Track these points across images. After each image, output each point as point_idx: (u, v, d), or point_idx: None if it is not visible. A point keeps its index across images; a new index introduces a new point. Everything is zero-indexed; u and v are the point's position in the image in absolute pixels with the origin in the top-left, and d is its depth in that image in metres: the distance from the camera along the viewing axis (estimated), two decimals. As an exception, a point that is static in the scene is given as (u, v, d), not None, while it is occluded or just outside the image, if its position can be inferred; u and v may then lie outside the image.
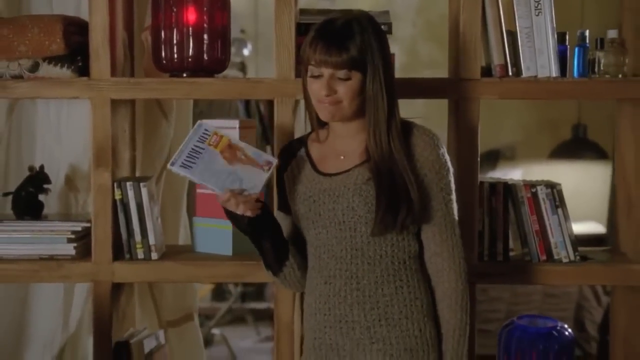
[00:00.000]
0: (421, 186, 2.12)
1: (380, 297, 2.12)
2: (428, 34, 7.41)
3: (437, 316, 2.16)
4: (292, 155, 2.23)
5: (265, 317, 6.11)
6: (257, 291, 6.52)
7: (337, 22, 2.11)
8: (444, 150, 2.17)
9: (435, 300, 2.16)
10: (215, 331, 5.91)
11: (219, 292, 6.67)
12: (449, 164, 2.18)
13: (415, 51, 7.28)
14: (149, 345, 2.65)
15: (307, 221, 2.16)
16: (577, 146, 7.00)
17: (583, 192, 6.37)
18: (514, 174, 7.26)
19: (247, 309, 6.43)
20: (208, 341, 5.63)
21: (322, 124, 2.21)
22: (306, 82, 2.15)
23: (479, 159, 2.56)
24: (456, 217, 2.19)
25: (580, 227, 4.95)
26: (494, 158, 7.42)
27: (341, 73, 2.09)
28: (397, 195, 2.08)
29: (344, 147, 2.17)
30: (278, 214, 2.24)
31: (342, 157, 2.17)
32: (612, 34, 2.61)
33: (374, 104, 2.10)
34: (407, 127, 2.15)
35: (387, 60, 2.14)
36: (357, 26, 2.10)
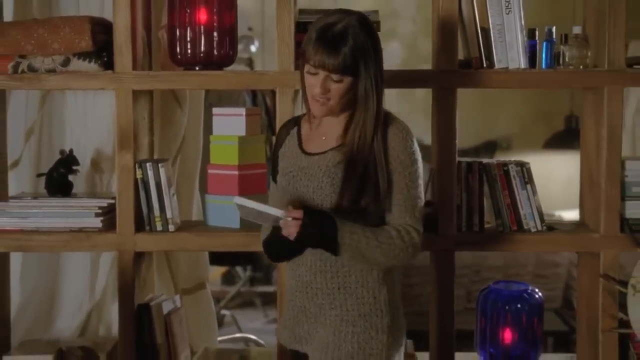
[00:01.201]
0: (390, 176, 2.29)
1: (340, 267, 2.30)
2: (427, 30, 7.64)
3: (394, 284, 2.36)
4: (287, 132, 2.45)
5: (273, 300, 6.34)
6: (264, 275, 6.80)
7: (336, 27, 2.27)
8: (413, 143, 2.33)
9: (394, 270, 2.36)
10: (226, 312, 6.23)
11: (229, 277, 6.98)
12: (416, 155, 2.33)
13: (415, 46, 7.55)
14: (167, 307, 2.98)
15: (286, 194, 2.34)
16: (570, 136, 7.24)
17: (575, 180, 6.67)
18: (510, 164, 7.53)
19: (256, 292, 6.71)
20: (219, 322, 5.94)
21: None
22: (303, 74, 2.33)
23: (456, 141, 2.87)
24: (419, 203, 2.32)
25: (573, 214, 5.23)
26: (491, 149, 7.68)
27: (335, 76, 2.27)
28: (365, 181, 2.27)
29: (327, 129, 2.36)
30: (272, 185, 2.47)
31: (323, 138, 2.36)
32: (576, 30, 2.93)
33: (365, 104, 2.29)
34: (385, 120, 2.33)
35: (379, 62, 2.33)
36: (352, 32, 2.26)
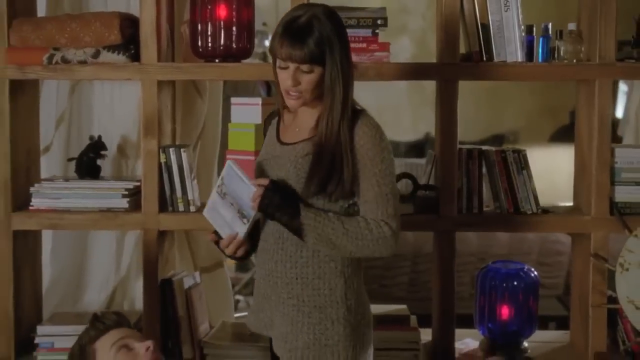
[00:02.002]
0: (355, 168, 2.33)
1: (299, 258, 2.35)
2: (437, 26, 7.84)
3: (355, 277, 2.39)
4: (270, 122, 2.55)
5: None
6: (277, 264, 7.01)
7: (300, 19, 2.33)
8: (382, 140, 2.36)
9: (356, 262, 2.40)
10: (240, 297, 6.45)
11: (243, 264, 7.19)
12: (386, 153, 2.36)
13: (424, 42, 7.73)
14: (187, 283, 3.20)
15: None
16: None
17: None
18: (516, 157, 7.72)
19: None
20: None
21: None
22: (276, 70, 2.38)
23: (457, 129, 3.08)
24: (391, 199, 2.35)
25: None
26: (498, 142, 7.85)
27: (304, 67, 2.32)
28: (331, 170, 2.32)
29: (302, 121, 2.43)
30: None
31: (297, 130, 2.43)
32: (571, 26, 3.13)
33: (332, 93, 2.33)
34: (355, 115, 2.37)
35: (346, 52, 2.36)
36: (317, 23, 2.31)
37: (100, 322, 2.45)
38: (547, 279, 5.73)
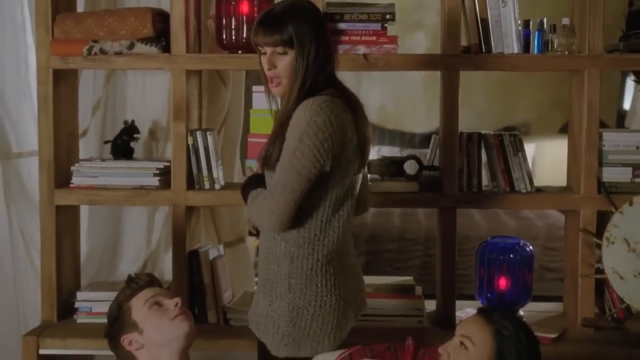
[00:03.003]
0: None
1: (264, 241, 2.64)
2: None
3: (305, 257, 2.54)
4: None
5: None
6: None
7: (275, 9, 2.53)
8: (309, 120, 2.45)
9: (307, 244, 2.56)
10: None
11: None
12: (307, 134, 2.45)
13: (439, 37, 7.94)
14: (212, 254, 3.50)
15: None
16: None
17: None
18: (528, 148, 7.93)
19: None
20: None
21: None
22: (260, 64, 2.60)
23: (459, 115, 3.37)
24: (282, 176, 2.48)
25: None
26: (510, 134, 8.11)
27: (278, 49, 2.50)
28: (269, 144, 2.57)
29: None
30: None
31: None
32: (565, 21, 3.41)
33: (296, 75, 2.51)
34: (309, 96, 2.51)
35: (317, 40, 2.51)
36: (290, 12, 2.50)
37: (134, 282, 2.72)
38: (553, 263, 5.98)
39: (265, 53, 2.56)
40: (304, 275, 2.55)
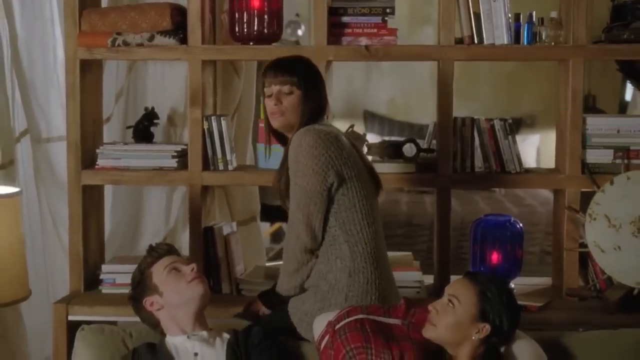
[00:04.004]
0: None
1: (318, 264, 2.95)
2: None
3: (359, 269, 2.88)
4: None
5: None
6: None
7: (284, 58, 2.98)
8: (298, 145, 2.83)
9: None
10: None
11: (277, 236, 7.76)
12: (298, 155, 2.83)
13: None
14: (226, 230, 3.75)
15: None
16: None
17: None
18: (533, 139, 8.18)
19: None
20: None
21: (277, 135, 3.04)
22: (263, 106, 2.97)
23: (453, 102, 3.63)
24: (302, 197, 2.83)
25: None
26: (516, 126, 8.26)
27: (285, 88, 2.87)
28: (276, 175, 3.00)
29: None
30: None
31: None
32: (553, 14, 3.66)
33: (301, 115, 2.91)
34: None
35: (320, 92, 2.94)
36: (298, 61, 2.96)
37: (155, 251, 2.94)
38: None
39: (271, 95, 2.89)
40: (361, 288, 2.88)
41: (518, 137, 8.15)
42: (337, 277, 2.88)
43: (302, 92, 2.88)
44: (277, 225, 7.56)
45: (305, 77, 2.90)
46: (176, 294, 2.84)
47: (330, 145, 2.84)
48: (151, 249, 2.98)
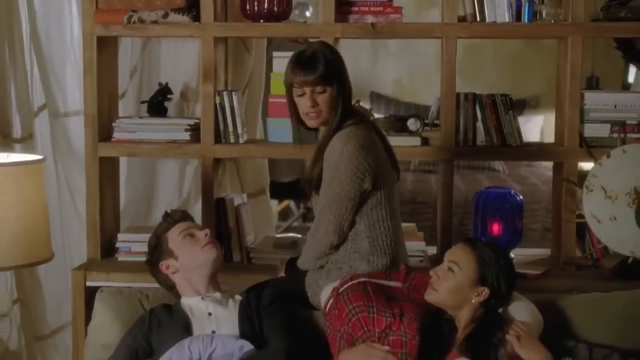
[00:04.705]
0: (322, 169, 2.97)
1: (335, 254, 3.06)
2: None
3: (378, 260, 3.00)
4: None
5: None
6: (316, 213, 7.65)
7: (306, 52, 2.91)
8: (341, 152, 2.87)
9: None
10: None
11: (285, 215, 7.89)
12: (338, 162, 2.87)
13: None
14: (236, 201, 3.90)
15: None
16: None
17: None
18: (537, 119, 8.31)
19: (307, 227, 7.55)
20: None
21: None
22: (292, 101, 2.96)
23: (456, 78, 3.76)
24: (335, 202, 2.92)
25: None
26: (520, 106, 8.38)
27: (318, 88, 2.87)
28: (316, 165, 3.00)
29: None
30: None
31: None
32: (553, -7, 3.80)
33: (335, 109, 2.93)
34: (341, 127, 2.94)
35: (345, 75, 2.95)
36: (320, 53, 2.90)
37: (170, 217, 3.07)
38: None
39: (303, 94, 2.91)
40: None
41: (522, 118, 8.30)
42: (356, 266, 3.00)
43: (334, 88, 2.92)
44: (285, 203, 7.69)
45: (334, 71, 2.92)
46: (190, 258, 2.97)
47: (370, 151, 2.93)
48: (167, 214, 3.10)
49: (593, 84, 8.01)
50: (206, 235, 3.02)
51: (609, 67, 7.91)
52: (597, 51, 7.72)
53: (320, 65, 2.88)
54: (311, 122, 2.98)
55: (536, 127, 8.14)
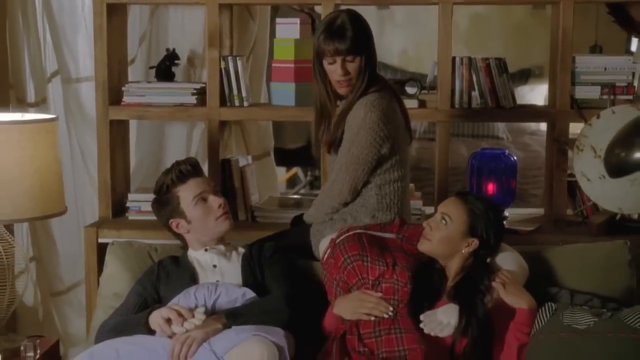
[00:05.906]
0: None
1: (342, 212, 3.21)
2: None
3: (383, 216, 3.16)
4: None
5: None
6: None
7: (336, 21, 2.98)
8: (364, 119, 3.00)
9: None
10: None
11: (292, 183, 8.02)
12: (360, 128, 3.00)
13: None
14: (242, 162, 4.06)
15: None
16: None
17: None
18: (541, 88, 8.42)
19: (315, 195, 7.68)
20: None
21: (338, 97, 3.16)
22: (316, 70, 3.05)
23: (452, 42, 3.90)
24: (352, 163, 3.06)
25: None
26: (525, 76, 8.50)
27: (349, 57, 2.97)
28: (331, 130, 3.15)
29: None
30: None
31: None
32: (549, -39, 3.92)
33: (363, 76, 3.04)
34: (365, 93, 3.06)
35: (372, 44, 3.05)
36: (350, 22, 2.97)
37: (180, 172, 3.06)
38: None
39: (333, 62, 3.01)
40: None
41: (527, 87, 8.36)
42: (360, 218, 3.15)
43: (363, 57, 3.01)
44: (293, 171, 7.82)
45: (364, 41, 3.02)
46: (203, 227, 3.08)
47: (390, 119, 3.06)
48: (177, 165, 3.10)
49: (597, 52, 8.13)
50: (220, 206, 3.09)
51: (612, 36, 8.01)
52: (601, 21, 7.82)
53: (351, 35, 2.97)
54: (342, 90, 3.08)
55: (540, 95, 8.25)
